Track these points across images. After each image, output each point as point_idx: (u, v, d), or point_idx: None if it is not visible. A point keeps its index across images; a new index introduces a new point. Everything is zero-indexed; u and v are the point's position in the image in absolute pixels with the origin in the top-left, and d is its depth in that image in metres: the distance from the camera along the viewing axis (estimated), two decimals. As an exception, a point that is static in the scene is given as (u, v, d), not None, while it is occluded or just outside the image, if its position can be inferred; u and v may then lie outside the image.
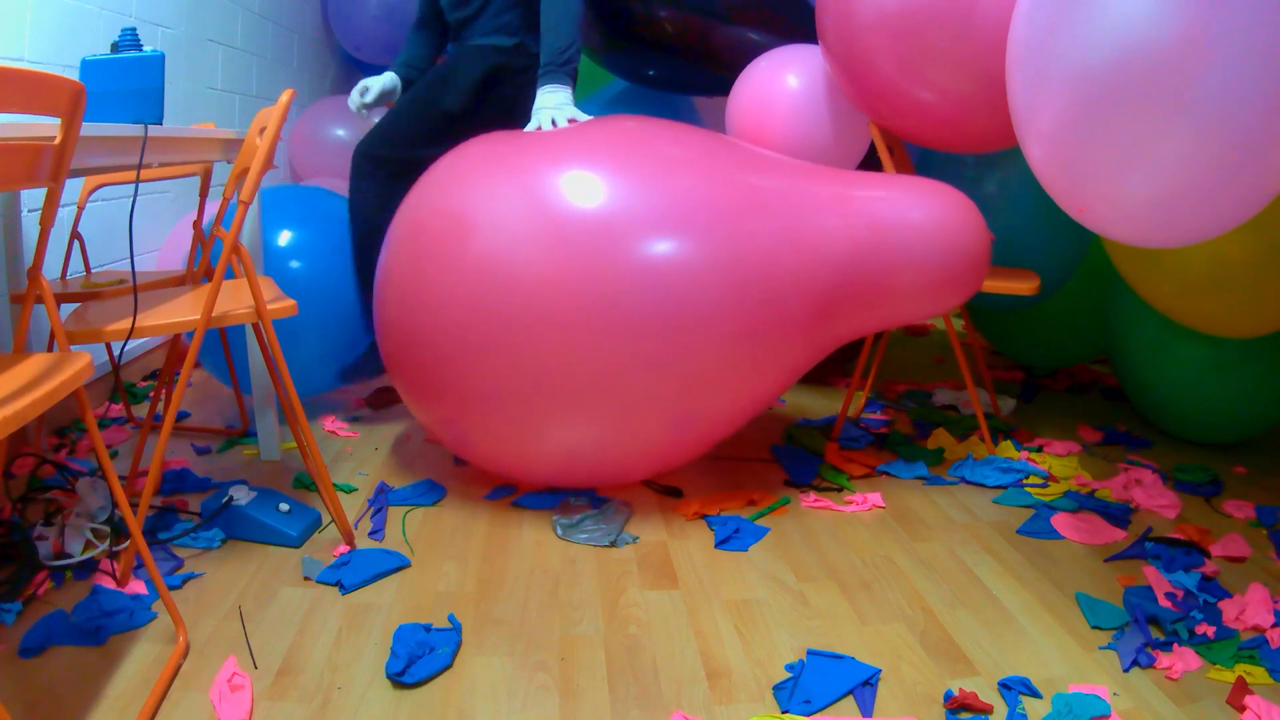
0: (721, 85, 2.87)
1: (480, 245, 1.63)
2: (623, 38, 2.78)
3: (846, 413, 2.37)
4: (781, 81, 2.37)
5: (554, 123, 1.87)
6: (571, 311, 1.59)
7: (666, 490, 1.95)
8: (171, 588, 1.50)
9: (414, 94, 2.18)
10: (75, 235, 2.22)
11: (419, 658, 1.31)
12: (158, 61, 1.71)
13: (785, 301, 1.68)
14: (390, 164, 2.10)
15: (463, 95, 2.06)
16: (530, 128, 1.88)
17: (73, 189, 2.31)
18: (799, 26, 2.62)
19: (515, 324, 1.61)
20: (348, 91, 4.28)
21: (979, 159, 2.50)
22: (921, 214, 1.78)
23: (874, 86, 2.06)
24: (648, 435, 1.73)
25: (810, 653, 1.36)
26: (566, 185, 1.64)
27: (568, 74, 1.91)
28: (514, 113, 2.07)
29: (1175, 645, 1.40)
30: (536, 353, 1.61)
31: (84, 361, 1.14)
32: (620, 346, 1.61)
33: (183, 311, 1.47)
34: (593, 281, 1.59)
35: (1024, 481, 2.06)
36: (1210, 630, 1.43)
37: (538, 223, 1.61)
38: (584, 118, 1.89)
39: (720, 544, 1.72)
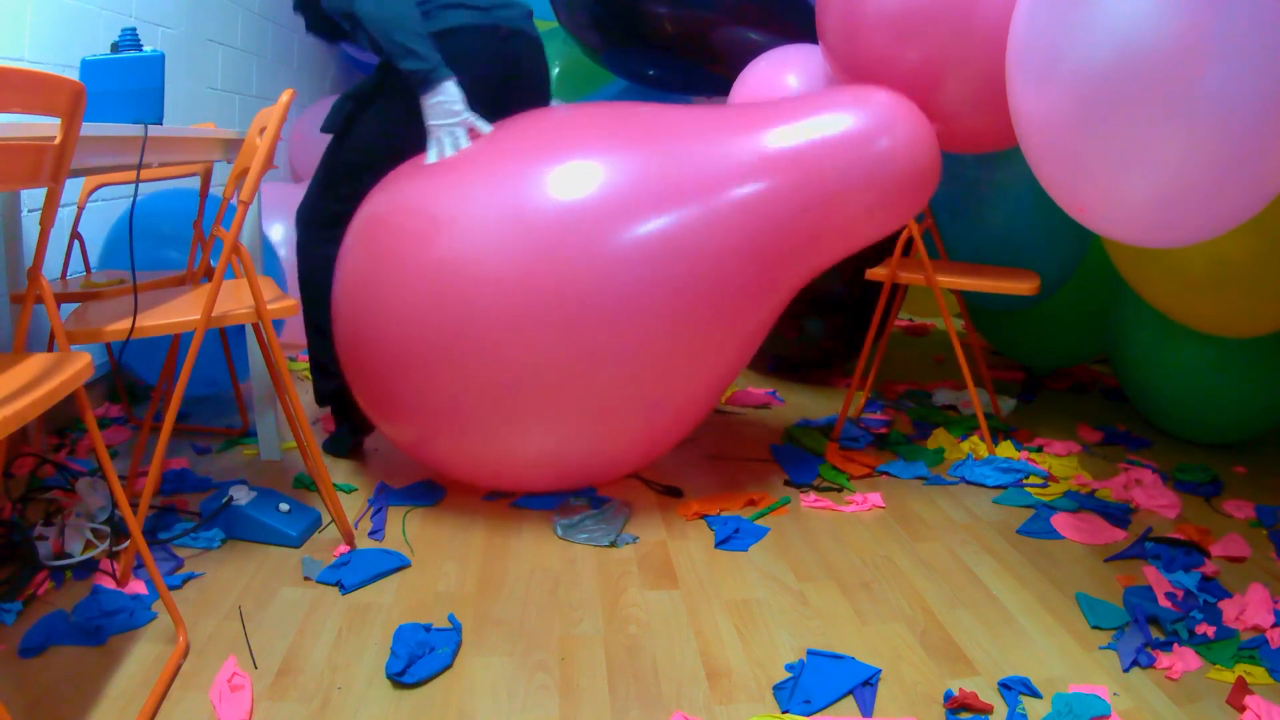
0: (721, 85, 2.87)
1: (441, 245, 1.60)
2: (623, 37, 2.79)
3: (846, 413, 2.37)
4: (781, 81, 2.37)
5: (457, 142, 1.72)
6: (536, 310, 1.57)
7: (666, 490, 1.95)
8: (171, 588, 1.50)
9: None
10: (75, 235, 2.22)
11: (419, 658, 1.31)
12: (158, 61, 1.71)
13: (736, 269, 1.66)
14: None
15: (334, 115, 1.90)
16: (431, 158, 1.72)
17: (73, 189, 2.31)
18: (799, 26, 2.63)
19: (480, 326, 1.58)
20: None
21: (979, 158, 2.50)
22: (855, 129, 1.68)
23: (873, 83, 2.06)
24: (629, 426, 1.72)
25: (810, 653, 1.36)
26: (520, 181, 1.62)
27: (430, 76, 1.69)
28: (379, 138, 1.88)
29: (1175, 645, 1.40)
30: (504, 356, 1.59)
31: (84, 361, 1.14)
32: (583, 341, 1.60)
33: (183, 311, 1.47)
34: (552, 278, 1.57)
35: (1024, 481, 2.06)
36: (1210, 630, 1.43)
37: (497, 219, 1.60)
38: (485, 126, 1.74)
39: (720, 544, 1.72)
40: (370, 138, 1.89)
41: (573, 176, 1.62)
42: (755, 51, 2.61)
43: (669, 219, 1.63)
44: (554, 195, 1.61)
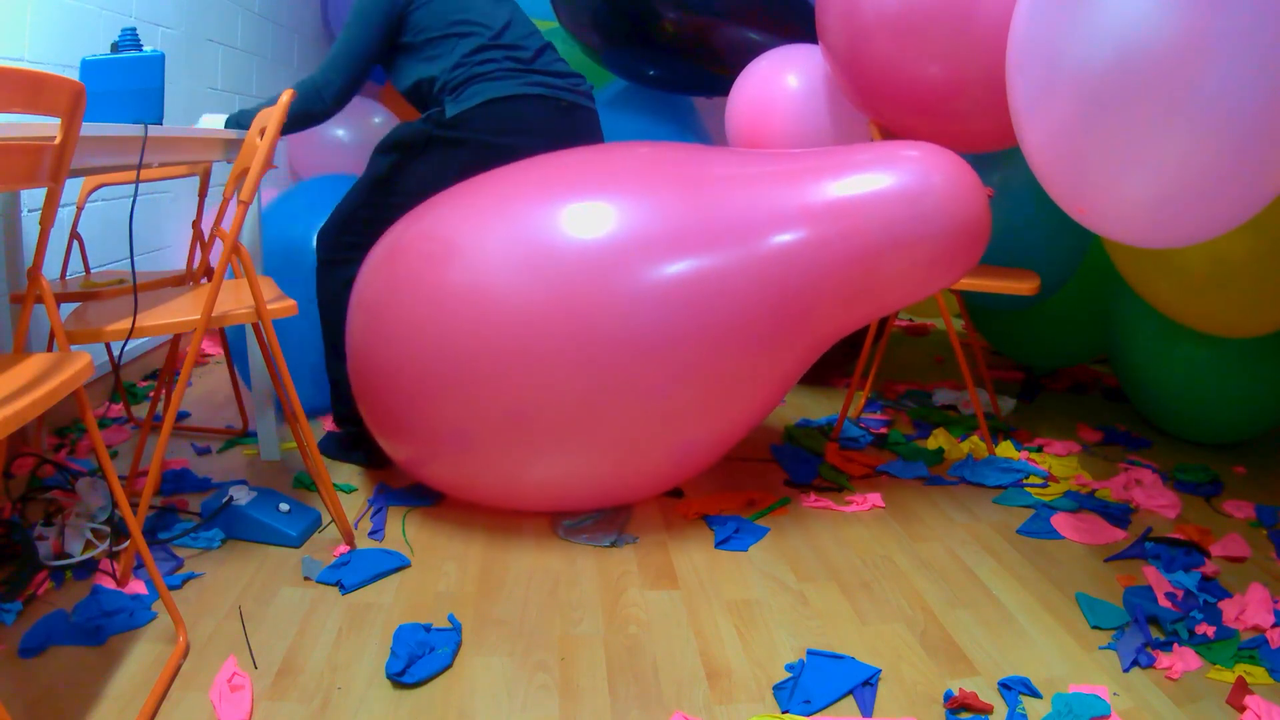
0: (721, 85, 2.87)
1: (461, 272, 1.57)
2: (623, 38, 2.79)
3: (846, 413, 2.37)
4: (781, 81, 2.37)
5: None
6: (551, 342, 1.52)
7: (666, 490, 1.95)
8: (171, 588, 1.50)
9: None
10: (75, 235, 2.22)
11: (419, 658, 1.31)
12: (158, 61, 1.71)
13: (768, 316, 1.59)
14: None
15: (377, 161, 1.98)
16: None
17: (73, 189, 2.31)
18: (799, 26, 2.63)
19: (490, 354, 1.54)
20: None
21: (979, 158, 2.50)
22: (901, 185, 1.58)
23: (874, 85, 2.06)
24: (644, 463, 1.66)
25: (810, 653, 1.36)
26: (550, 215, 1.58)
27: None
28: (422, 189, 1.93)
29: (1175, 645, 1.40)
30: (515, 385, 1.54)
31: (84, 361, 1.14)
32: (599, 377, 1.54)
33: (183, 311, 1.47)
34: (575, 312, 1.52)
35: (1024, 481, 2.06)
36: (1210, 630, 1.43)
37: (521, 251, 1.55)
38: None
39: (720, 544, 1.72)
40: (413, 188, 1.92)
41: (599, 213, 1.57)
42: (755, 51, 2.62)
43: (698, 261, 1.55)
44: (578, 230, 1.56)
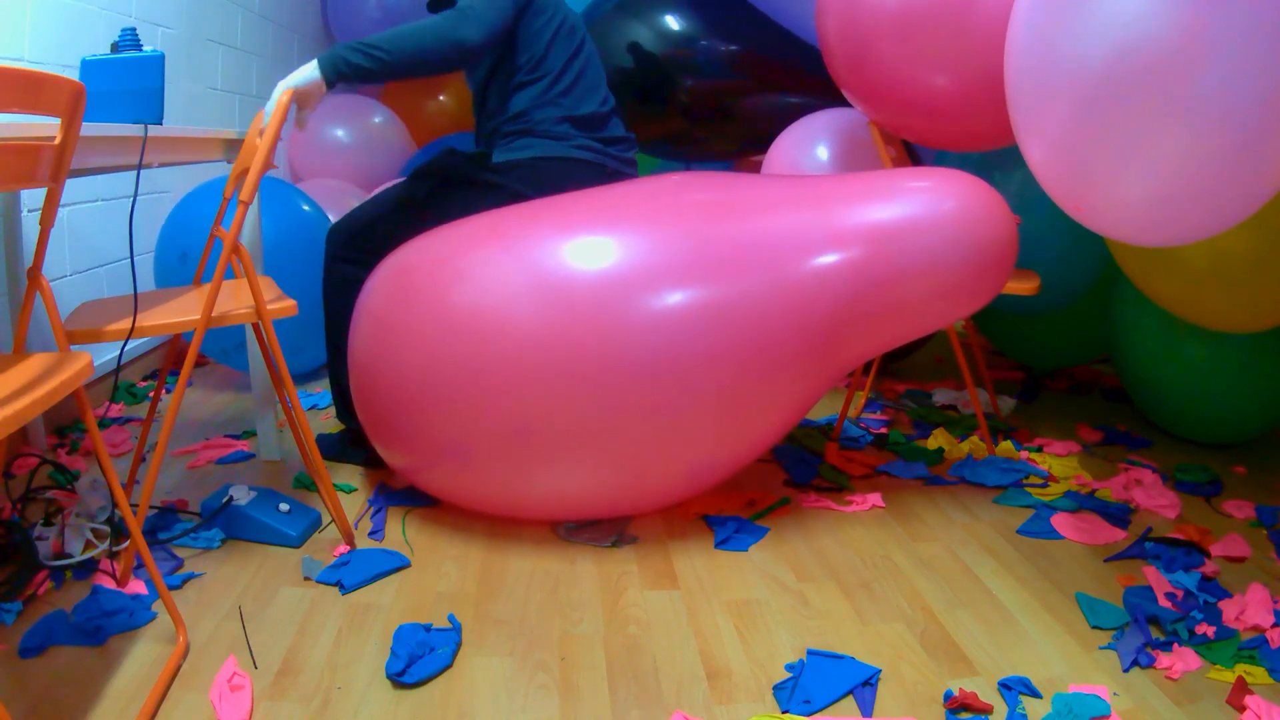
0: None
1: (468, 293, 1.56)
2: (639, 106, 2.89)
3: (846, 413, 2.37)
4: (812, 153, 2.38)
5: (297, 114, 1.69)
6: (563, 363, 1.52)
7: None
8: (171, 588, 1.50)
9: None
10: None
11: (419, 658, 1.31)
12: (158, 61, 1.71)
13: (785, 345, 1.58)
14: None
15: (412, 183, 1.98)
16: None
17: (75, 189, 2.31)
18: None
19: (503, 373, 1.53)
20: (347, 92, 4.29)
21: (996, 160, 2.49)
22: (929, 212, 1.60)
23: (873, 87, 2.06)
24: (654, 481, 1.65)
25: (810, 653, 1.36)
26: (561, 244, 1.58)
27: (331, 57, 1.65)
28: (456, 218, 1.91)
29: (1175, 645, 1.40)
30: (523, 407, 1.54)
31: (84, 361, 1.14)
32: (610, 397, 1.53)
33: (183, 311, 1.47)
34: (583, 336, 1.52)
35: (1024, 481, 2.06)
36: (1210, 630, 1.43)
37: (531, 272, 1.55)
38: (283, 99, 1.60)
39: (720, 544, 1.72)
40: (441, 217, 1.92)
41: (615, 242, 1.57)
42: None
43: (714, 286, 1.55)
44: (590, 254, 1.55)
